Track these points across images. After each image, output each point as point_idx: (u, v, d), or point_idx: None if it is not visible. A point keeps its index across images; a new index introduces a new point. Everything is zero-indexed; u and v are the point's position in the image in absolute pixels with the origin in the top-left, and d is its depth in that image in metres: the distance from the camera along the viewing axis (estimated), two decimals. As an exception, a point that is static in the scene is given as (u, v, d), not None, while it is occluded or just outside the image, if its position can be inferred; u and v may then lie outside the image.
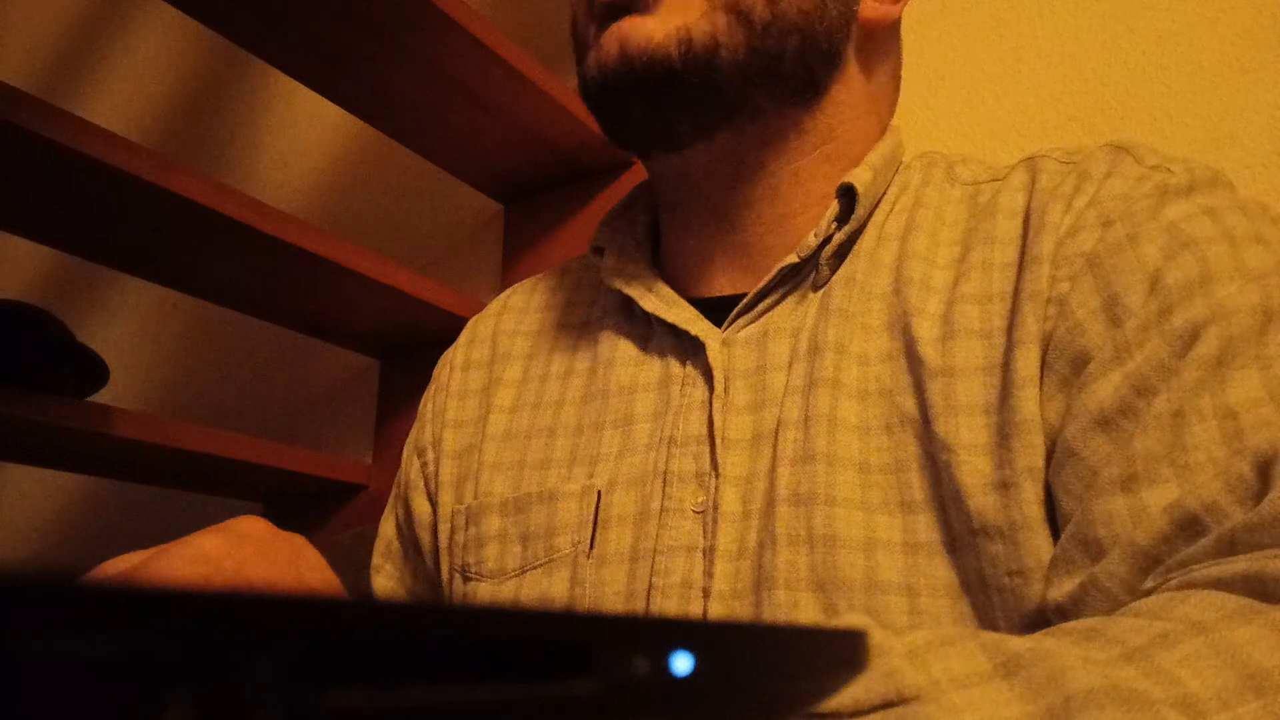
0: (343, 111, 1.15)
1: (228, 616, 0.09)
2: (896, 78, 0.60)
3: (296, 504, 1.25)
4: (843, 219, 0.53)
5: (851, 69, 0.56)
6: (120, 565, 0.42)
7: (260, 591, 0.10)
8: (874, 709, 0.26)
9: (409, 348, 1.24)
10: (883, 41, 0.58)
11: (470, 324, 0.68)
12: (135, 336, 1.59)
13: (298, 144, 1.51)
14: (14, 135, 0.75)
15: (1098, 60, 0.91)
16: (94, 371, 0.99)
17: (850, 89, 0.56)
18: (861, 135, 0.57)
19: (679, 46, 0.50)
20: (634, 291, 0.56)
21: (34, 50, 1.89)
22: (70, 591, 0.08)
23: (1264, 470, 0.36)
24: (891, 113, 0.61)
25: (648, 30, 0.50)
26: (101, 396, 1.02)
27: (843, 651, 0.19)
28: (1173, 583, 0.35)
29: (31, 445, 0.95)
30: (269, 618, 0.10)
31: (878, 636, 0.28)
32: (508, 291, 0.69)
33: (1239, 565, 0.33)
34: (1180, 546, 0.36)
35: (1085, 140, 0.90)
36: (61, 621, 0.08)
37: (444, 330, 1.16)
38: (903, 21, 1.00)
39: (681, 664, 0.15)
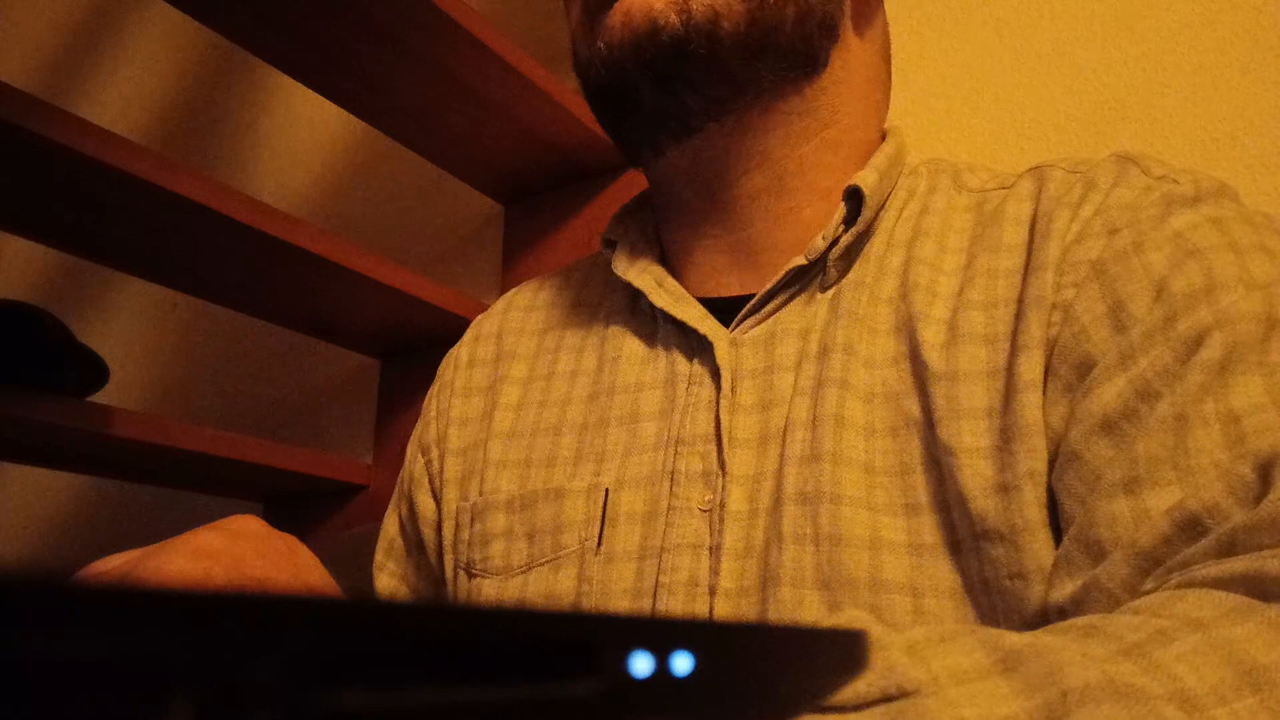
0: (343, 112, 1.15)
1: (231, 615, 0.09)
2: (888, 59, 0.61)
3: (296, 504, 1.25)
4: (849, 221, 0.53)
5: (848, 41, 0.56)
6: (113, 563, 0.42)
7: (263, 591, 0.10)
8: (874, 703, 0.26)
9: (409, 348, 1.24)
10: (873, 13, 0.59)
11: (475, 322, 0.68)
12: (135, 336, 1.59)
13: (298, 144, 1.51)
14: (14, 135, 0.75)
15: (1098, 60, 0.91)
16: (94, 371, 0.99)
17: (848, 64, 0.56)
18: (862, 120, 0.57)
19: (680, 15, 0.50)
20: (644, 285, 0.57)
21: (34, 50, 1.89)
22: (73, 591, 0.08)
23: (1265, 472, 0.36)
24: (887, 100, 0.61)
25: (647, 1, 0.51)
26: (101, 396, 1.02)
27: (842, 651, 0.19)
28: (1172, 582, 0.35)
29: (31, 445, 0.95)
30: (272, 617, 0.10)
31: (877, 633, 0.28)
32: (512, 291, 0.69)
33: (1238, 565, 0.33)
34: (1181, 547, 0.36)
35: (1085, 140, 0.90)
36: (63, 621, 0.08)
37: (444, 330, 1.16)
38: (903, 23, 1.00)
39: (681, 664, 0.15)
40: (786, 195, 0.55)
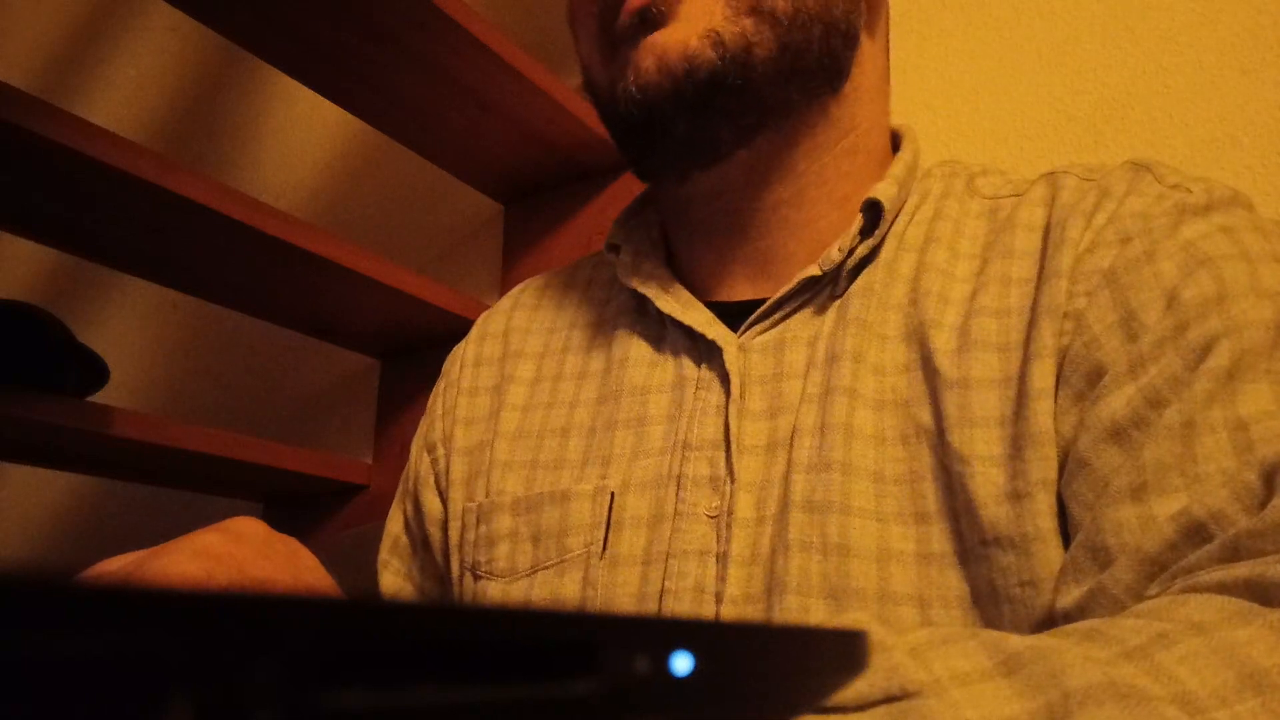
0: (343, 111, 1.15)
1: (231, 615, 0.09)
2: (889, 52, 0.61)
3: (296, 504, 1.25)
4: (867, 231, 0.53)
5: (864, 46, 0.56)
6: (115, 564, 0.42)
7: (263, 591, 0.10)
8: (876, 703, 0.26)
9: (409, 348, 1.24)
10: (880, 11, 0.58)
11: (481, 320, 0.68)
12: (135, 336, 1.59)
13: (298, 144, 1.51)
14: (14, 135, 0.75)
15: (1098, 60, 0.91)
16: (94, 371, 0.99)
17: (864, 69, 0.56)
18: (876, 122, 0.57)
19: (715, 49, 0.49)
20: (650, 291, 0.56)
21: (34, 50, 1.89)
22: (74, 591, 0.08)
23: (1270, 479, 0.36)
24: (890, 95, 0.61)
25: (680, 37, 0.50)
26: (101, 396, 1.02)
27: (843, 651, 0.19)
28: (1175, 587, 0.35)
29: (31, 445, 0.95)
30: (272, 617, 0.10)
31: (879, 634, 0.28)
32: (518, 288, 0.69)
33: (1241, 570, 0.33)
34: (1186, 553, 0.36)
35: (1085, 140, 0.90)
36: (64, 621, 0.08)
37: (444, 330, 1.16)
38: (903, 23, 1.00)
39: (681, 664, 0.15)
40: (806, 206, 0.55)
